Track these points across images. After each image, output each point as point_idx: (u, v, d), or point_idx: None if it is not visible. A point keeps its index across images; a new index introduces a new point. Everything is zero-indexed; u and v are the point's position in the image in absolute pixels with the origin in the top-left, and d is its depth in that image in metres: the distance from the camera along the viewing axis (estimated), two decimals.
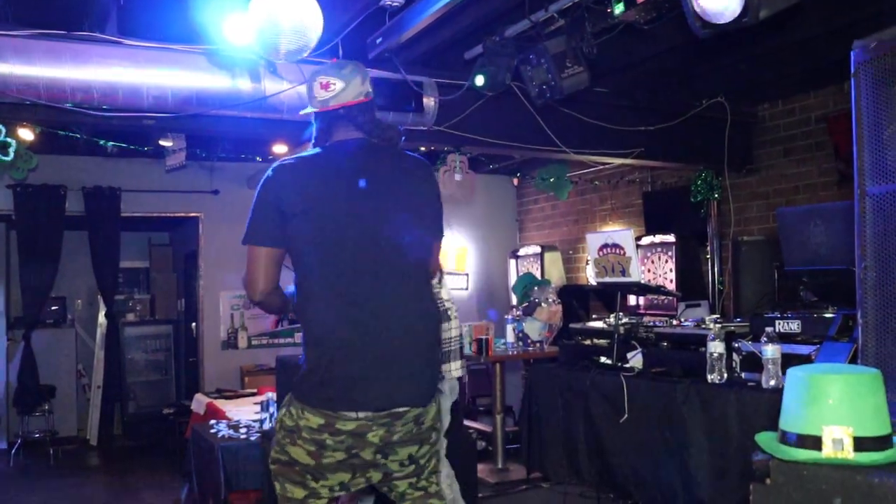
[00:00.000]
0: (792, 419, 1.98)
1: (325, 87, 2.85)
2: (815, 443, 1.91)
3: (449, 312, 4.13)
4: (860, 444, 1.87)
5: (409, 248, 2.76)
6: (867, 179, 2.24)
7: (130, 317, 10.93)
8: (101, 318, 10.08)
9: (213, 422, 6.15)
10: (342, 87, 2.85)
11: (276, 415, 4.08)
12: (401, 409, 2.69)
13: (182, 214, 9.51)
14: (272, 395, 5.78)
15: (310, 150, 2.91)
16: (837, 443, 1.87)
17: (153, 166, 8.43)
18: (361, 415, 2.65)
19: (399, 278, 2.75)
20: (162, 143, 7.16)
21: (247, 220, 2.77)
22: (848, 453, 1.86)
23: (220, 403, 7.10)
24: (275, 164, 2.79)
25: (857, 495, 1.78)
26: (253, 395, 7.52)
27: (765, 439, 2.08)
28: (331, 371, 2.65)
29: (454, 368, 4.17)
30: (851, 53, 2.30)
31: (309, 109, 2.92)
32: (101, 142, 6.54)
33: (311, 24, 4.00)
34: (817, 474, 1.87)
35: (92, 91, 4.45)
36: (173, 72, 4.61)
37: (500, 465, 6.81)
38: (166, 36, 4.66)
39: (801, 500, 1.90)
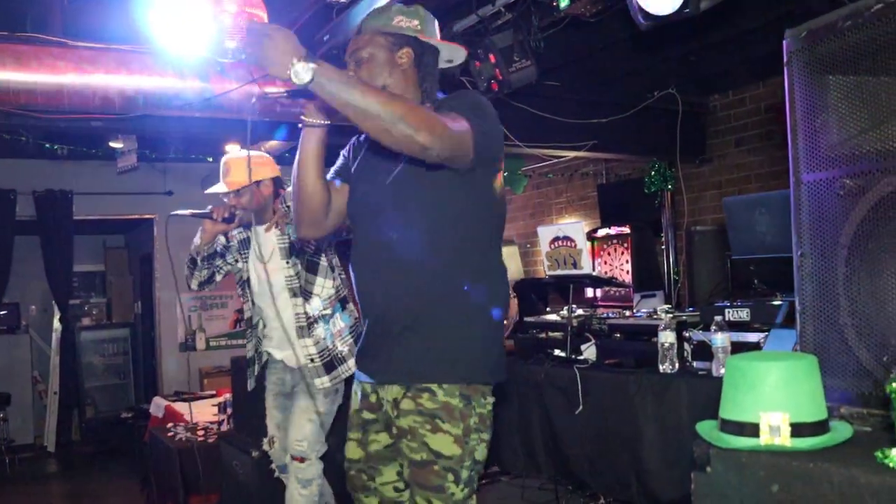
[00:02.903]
0: (730, 407, 1.99)
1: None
2: (753, 430, 1.92)
3: None
4: (797, 429, 1.88)
5: None
6: (802, 167, 2.26)
7: (86, 321, 10.80)
8: (56, 324, 9.94)
9: (170, 425, 6.10)
10: None
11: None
12: None
13: (136, 216, 9.41)
14: (230, 396, 5.73)
15: None
16: (775, 430, 1.89)
17: (105, 168, 8.32)
18: None
19: None
20: (112, 144, 7.09)
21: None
22: (785, 439, 1.88)
23: (179, 406, 7.03)
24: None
25: (794, 481, 1.79)
26: (212, 397, 7.46)
27: (705, 428, 2.10)
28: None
29: None
30: (783, 42, 2.32)
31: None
32: (48, 145, 6.44)
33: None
34: (755, 462, 1.88)
35: (36, 93, 4.38)
36: (120, 72, 4.55)
37: None
38: (113, 37, 4.60)
39: (740, 487, 1.91)
